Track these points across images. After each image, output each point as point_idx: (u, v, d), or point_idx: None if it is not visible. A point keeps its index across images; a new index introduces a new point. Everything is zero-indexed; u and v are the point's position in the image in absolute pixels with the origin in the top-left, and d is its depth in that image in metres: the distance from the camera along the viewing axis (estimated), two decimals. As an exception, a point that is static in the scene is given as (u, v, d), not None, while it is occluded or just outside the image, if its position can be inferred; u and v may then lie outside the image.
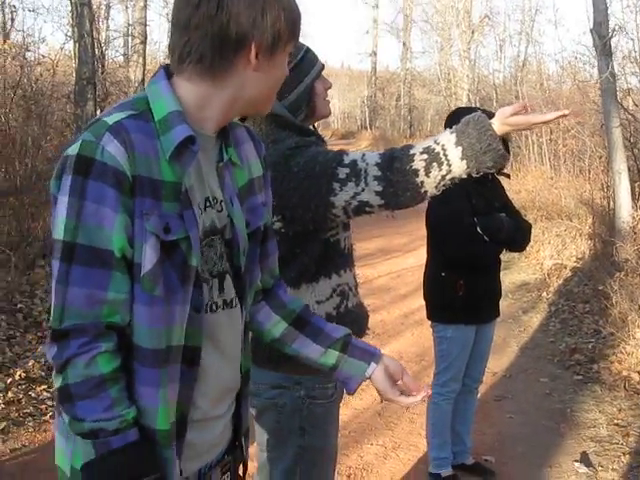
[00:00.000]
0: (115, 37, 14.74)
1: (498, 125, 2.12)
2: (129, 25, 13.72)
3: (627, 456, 4.51)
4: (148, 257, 1.50)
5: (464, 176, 2.22)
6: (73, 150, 1.49)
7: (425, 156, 2.18)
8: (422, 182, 2.20)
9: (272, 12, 1.57)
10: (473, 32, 25.26)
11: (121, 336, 1.52)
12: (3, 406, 4.89)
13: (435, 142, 2.19)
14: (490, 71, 24.52)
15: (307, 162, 2.30)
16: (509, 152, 2.13)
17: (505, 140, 2.16)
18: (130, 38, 13.59)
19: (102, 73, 13.27)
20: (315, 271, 2.49)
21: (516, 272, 9.51)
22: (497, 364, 6.27)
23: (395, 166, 2.21)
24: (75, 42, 10.68)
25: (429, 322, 4.24)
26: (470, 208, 3.89)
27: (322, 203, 2.29)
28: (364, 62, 52.67)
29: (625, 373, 5.73)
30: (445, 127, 3.74)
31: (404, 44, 36.30)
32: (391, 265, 10.07)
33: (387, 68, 44.63)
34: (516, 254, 10.11)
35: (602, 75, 7.74)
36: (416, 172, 2.18)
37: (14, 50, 10.95)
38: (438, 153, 2.17)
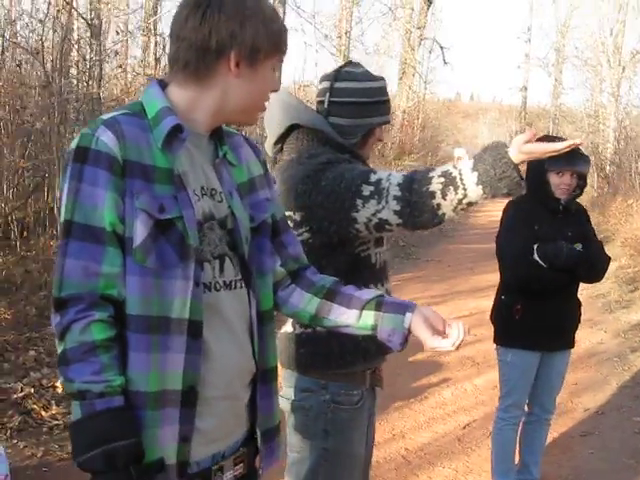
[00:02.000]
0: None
1: (514, 153, 2.15)
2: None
3: (701, 499, 4.39)
4: (138, 232, 1.70)
5: (480, 201, 2.28)
6: (74, 144, 1.74)
7: (442, 179, 2.25)
8: (439, 204, 2.26)
9: (251, 25, 1.78)
10: (624, 69, 24.63)
11: (117, 309, 1.71)
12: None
13: (454, 166, 2.27)
14: (640, 108, 23.79)
15: (335, 177, 2.43)
16: (523, 179, 2.17)
17: (519, 168, 2.19)
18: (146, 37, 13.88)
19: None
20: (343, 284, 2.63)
21: (634, 312, 9.25)
22: (591, 400, 6.20)
23: (414, 187, 2.29)
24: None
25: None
26: (531, 234, 3.95)
27: (345, 217, 2.42)
28: (515, 97, 51.97)
29: None
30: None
31: (555, 79, 35.70)
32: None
33: (538, 104, 43.82)
34: (637, 294, 9.94)
35: None
36: (433, 194, 2.25)
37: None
38: (455, 177, 2.23)
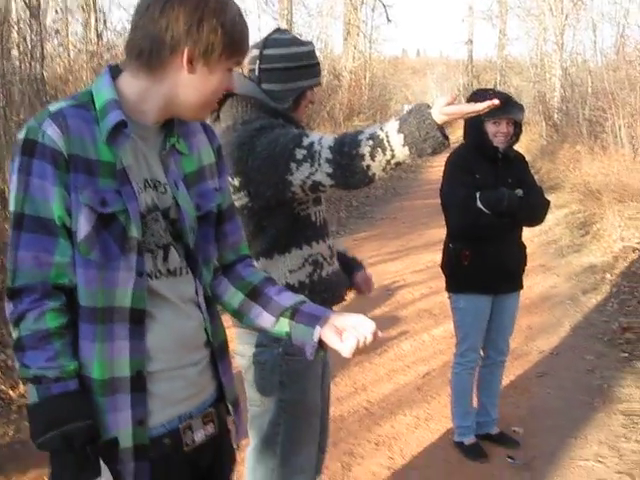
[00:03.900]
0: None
1: (437, 115, 2.25)
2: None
3: (654, 428, 4.57)
4: (82, 226, 1.73)
5: (408, 161, 2.37)
6: (21, 135, 1.76)
7: (371, 142, 2.34)
8: (368, 166, 2.36)
9: (209, 25, 1.76)
10: (566, 16, 24.79)
11: (70, 297, 1.76)
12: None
13: (380, 129, 2.36)
14: (585, 56, 23.99)
15: (270, 142, 2.52)
16: (447, 139, 2.27)
17: (443, 128, 2.29)
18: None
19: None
20: (286, 243, 2.71)
21: (585, 255, 9.46)
22: (546, 343, 6.37)
23: (344, 150, 2.38)
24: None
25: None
26: (471, 181, 4.06)
27: (281, 181, 2.51)
28: (461, 50, 52.12)
29: (672, 352, 5.73)
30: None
31: (500, 31, 35.86)
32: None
33: (485, 56, 44.09)
34: (588, 238, 10.14)
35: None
36: (362, 156, 2.35)
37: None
38: (382, 140, 2.32)
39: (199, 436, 1.94)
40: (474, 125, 4.05)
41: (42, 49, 9.53)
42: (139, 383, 1.80)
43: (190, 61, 1.78)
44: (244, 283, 2.09)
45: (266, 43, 2.73)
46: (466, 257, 4.12)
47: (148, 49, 1.77)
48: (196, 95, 1.84)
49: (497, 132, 4.07)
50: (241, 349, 2.80)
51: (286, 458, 2.78)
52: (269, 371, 2.74)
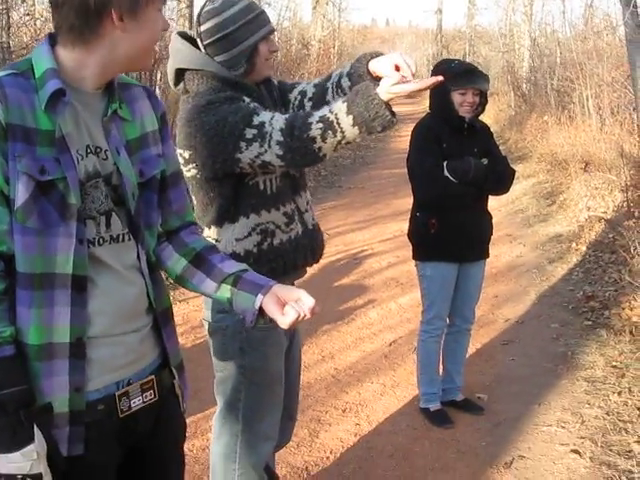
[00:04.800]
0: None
1: (383, 93, 2.30)
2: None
3: (615, 395, 4.63)
4: (20, 194, 1.73)
5: (358, 139, 2.43)
6: None
7: (321, 125, 2.38)
8: (319, 147, 2.41)
9: None
10: (535, -15, 24.81)
11: (8, 264, 1.76)
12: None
13: (330, 111, 2.39)
14: (554, 27, 24.03)
15: (218, 121, 2.53)
16: (395, 116, 2.31)
17: (390, 106, 2.33)
18: (176, 2, 13.86)
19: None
20: (234, 212, 2.73)
21: (552, 224, 9.53)
22: (512, 311, 6.43)
23: (295, 134, 2.41)
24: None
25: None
26: (439, 151, 4.08)
27: (229, 158, 2.54)
28: (430, 20, 52.04)
29: (635, 319, 5.77)
30: (431, 76, 3.92)
31: (469, 1, 35.82)
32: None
33: (454, 26, 44.03)
34: (554, 207, 10.22)
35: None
36: (313, 139, 2.39)
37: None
38: (332, 122, 2.36)
39: (136, 403, 1.95)
40: (440, 95, 4.06)
41: (8, 17, 9.39)
42: (78, 350, 1.82)
43: (120, 18, 1.78)
44: (188, 249, 2.12)
45: (200, 19, 2.71)
46: (433, 225, 4.15)
47: (77, 22, 1.77)
48: (136, 47, 1.85)
49: (463, 102, 4.08)
50: (206, 314, 2.82)
51: (249, 424, 2.80)
52: (230, 337, 2.76)
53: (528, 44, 23.21)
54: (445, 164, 4.06)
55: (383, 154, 18.48)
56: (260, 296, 1.97)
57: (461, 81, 4.00)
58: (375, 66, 2.55)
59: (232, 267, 2.07)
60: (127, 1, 1.77)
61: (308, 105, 2.85)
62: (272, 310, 1.95)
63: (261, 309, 1.97)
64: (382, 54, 2.59)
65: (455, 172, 4.04)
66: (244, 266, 2.09)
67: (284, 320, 1.93)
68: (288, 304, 1.94)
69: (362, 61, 2.66)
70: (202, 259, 2.09)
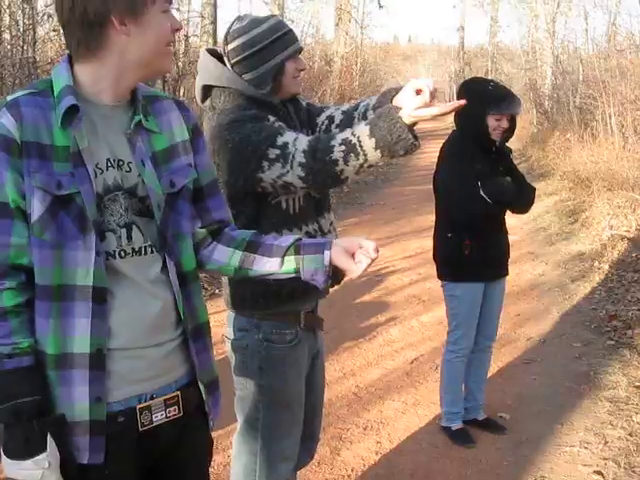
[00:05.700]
0: (193, 17, 15.18)
1: (406, 117, 2.29)
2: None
3: (639, 416, 4.61)
4: (35, 208, 1.78)
5: (381, 163, 2.45)
6: None
7: (343, 147, 2.38)
8: (342, 170, 2.40)
9: None
10: (558, 4, 24.79)
11: (29, 277, 1.82)
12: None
13: (352, 134, 2.39)
14: (577, 44, 23.97)
15: (241, 140, 2.53)
16: (417, 140, 2.31)
17: (413, 129, 2.32)
18: (200, 19, 13.94)
19: (184, 53, 13.63)
20: (256, 230, 2.72)
21: (574, 243, 9.50)
22: (534, 330, 6.40)
23: (317, 156, 2.41)
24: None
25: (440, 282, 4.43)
26: (474, 172, 4.11)
27: (251, 177, 2.54)
28: (452, 37, 52.05)
29: (658, 339, 5.77)
30: (458, 97, 3.95)
31: (491, 18, 35.84)
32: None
33: (476, 43, 44.07)
34: (577, 226, 10.18)
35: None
36: (336, 162, 2.39)
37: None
38: (355, 145, 2.36)
39: (158, 417, 1.96)
40: (474, 117, 4.04)
41: (34, 33, 9.51)
42: (99, 361, 1.84)
43: (123, 23, 1.81)
44: (238, 241, 2.15)
45: (227, 38, 2.73)
46: (466, 246, 4.16)
47: (82, 36, 1.82)
48: (145, 50, 1.87)
49: (498, 127, 4.10)
50: (228, 331, 2.84)
51: (267, 444, 2.80)
52: (250, 356, 2.77)
53: (550, 61, 23.14)
54: (480, 185, 4.09)
55: (405, 171, 18.50)
56: (327, 252, 2.03)
57: (499, 107, 4.03)
58: (398, 98, 2.50)
59: (288, 240, 2.11)
60: (125, 4, 1.80)
61: (335, 132, 2.86)
62: (343, 261, 2.01)
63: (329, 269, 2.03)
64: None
65: (491, 192, 4.08)
66: (297, 236, 2.14)
67: (357, 268, 1.98)
68: (357, 252, 1.99)
69: (387, 96, 2.65)
70: (256, 244, 2.13)
